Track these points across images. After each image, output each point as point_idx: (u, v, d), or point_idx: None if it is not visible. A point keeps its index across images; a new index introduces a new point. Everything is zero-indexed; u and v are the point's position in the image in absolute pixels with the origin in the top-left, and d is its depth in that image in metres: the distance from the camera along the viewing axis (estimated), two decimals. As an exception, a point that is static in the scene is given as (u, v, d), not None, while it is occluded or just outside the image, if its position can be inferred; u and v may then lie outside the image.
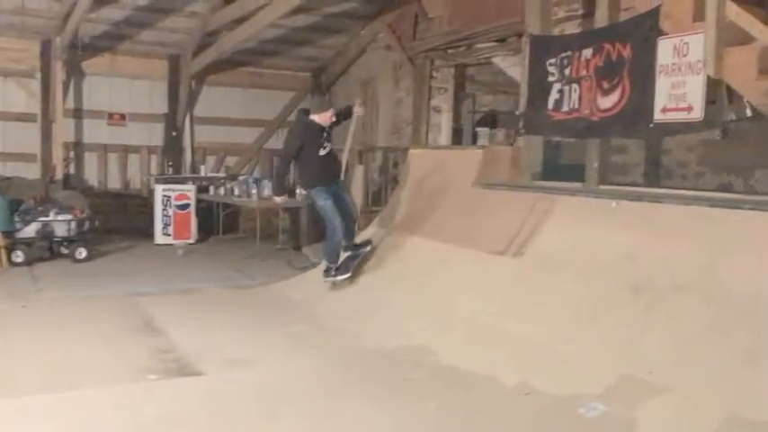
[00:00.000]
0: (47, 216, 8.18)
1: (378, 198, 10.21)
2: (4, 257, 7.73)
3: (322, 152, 6.25)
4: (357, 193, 10.21)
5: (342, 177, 6.79)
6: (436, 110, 9.89)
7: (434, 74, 9.98)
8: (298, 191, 8.90)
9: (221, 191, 10.19)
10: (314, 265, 7.78)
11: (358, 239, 6.67)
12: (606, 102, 5.27)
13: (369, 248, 6.61)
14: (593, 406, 3.58)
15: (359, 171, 10.38)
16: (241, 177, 10.50)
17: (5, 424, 3.51)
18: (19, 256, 7.96)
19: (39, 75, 10.65)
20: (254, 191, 9.24)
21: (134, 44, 11.12)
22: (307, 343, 5.12)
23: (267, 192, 9.21)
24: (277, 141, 12.81)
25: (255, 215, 10.82)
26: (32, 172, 10.69)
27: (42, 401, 3.80)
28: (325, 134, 6.29)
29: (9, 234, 7.88)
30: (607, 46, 5.24)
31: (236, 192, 9.91)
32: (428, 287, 5.62)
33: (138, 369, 4.41)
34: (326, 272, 6.41)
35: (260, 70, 12.45)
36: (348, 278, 6.34)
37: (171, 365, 4.50)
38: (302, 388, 4.13)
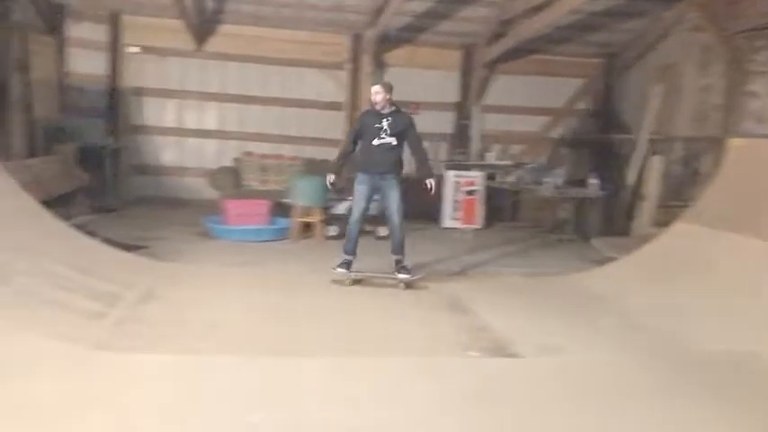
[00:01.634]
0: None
1: (677, 192, 9.49)
2: (320, 230, 8.60)
3: (376, 142, 6.24)
4: (653, 187, 9.61)
5: (396, 175, 6.39)
6: (755, 96, 8.87)
7: (754, 56, 8.96)
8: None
9: (511, 178, 10.25)
10: (608, 259, 7.50)
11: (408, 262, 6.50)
12: None
13: (407, 277, 6.30)
14: None
15: (655, 161, 9.75)
16: (530, 165, 10.46)
17: (332, 380, 3.86)
18: (333, 231, 8.82)
19: (348, 67, 11.67)
20: (546, 179, 9.13)
21: (432, 35, 11.64)
22: (619, 338, 4.92)
23: (560, 180, 9.08)
24: (563, 130, 12.59)
25: (539, 204, 10.74)
26: (331, 155, 11.74)
27: (363, 364, 4.12)
28: (385, 124, 6.23)
29: (324, 210, 8.74)
30: None
31: (526, 179, 9.89)
32: (750, 291, 5.07)
33: (456, 344, 4.60)
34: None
35: (549, 57, 12.27)
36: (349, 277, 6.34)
37: (487, 344, 4.62)
38: (630, 384, 3.96)
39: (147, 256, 6.84)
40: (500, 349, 4.51)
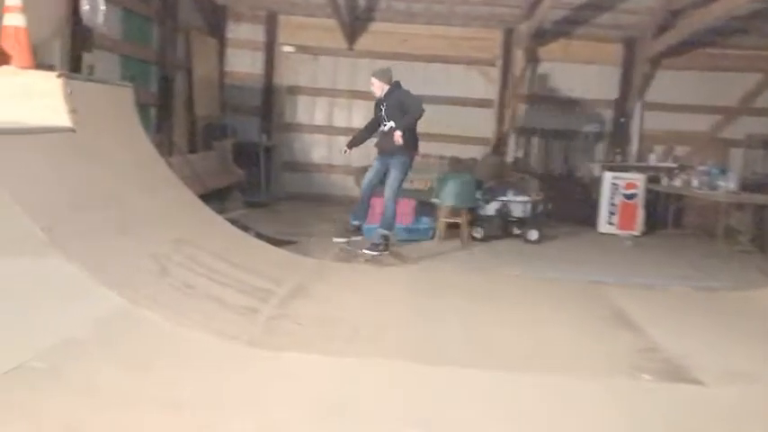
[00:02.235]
0: (506, 196, 8.55)
1: None
2: (467, 232, 8.30)
3: (382, 128, 6.99)
4: None
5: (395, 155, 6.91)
6: None
7: None
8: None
9: (676, 182, 9.42)
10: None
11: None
12: None
13: (370, 253, 6.84)
14: None
15: None
16: (702, 168, 9.54)
17: (492, 396, 3.55)
18: (479, 232, 8.50)
19: (499, 62, 11.28)
20: (721, 183, 8.28)
21: (590, 28, 10.98)
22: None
23: (733, 185, 8.20)
24: (735, 130, 11.45)
25: (705, 211, 9.82)
26: (485, 155, 11.41)
27: (527, 380, 3.76)
28: (383, 110, 6.95)
29: (472, 210, 8.44)
30: None
31: (695, 183, 9.04)
32: None
33: (627, 365, 4.14)
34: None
35: (720, 51, 11.20)
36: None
37: (662, 366, 4.12)
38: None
39: (296, 252, 6.86)
40: (677, 373, 4.00)
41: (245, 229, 7.24)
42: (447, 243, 8.25)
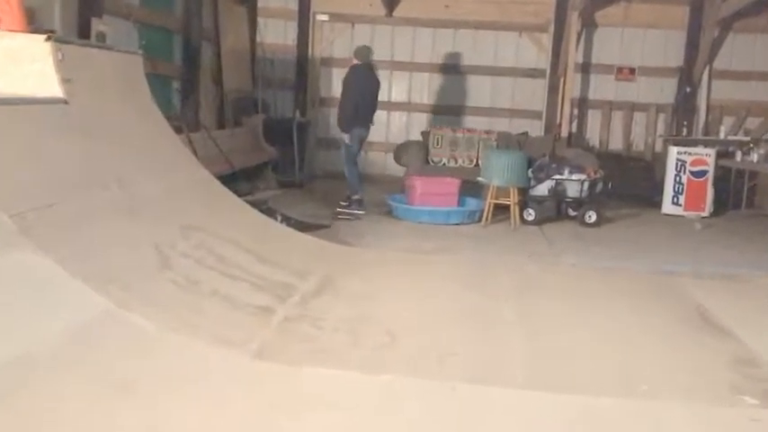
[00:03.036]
0: (560, 174, 7.71)
1: None
2: (517, 215, 7.50)
3: None
4: None
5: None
6: None
7: None
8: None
9: (752, 157, 8.41)
10: None
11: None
12: None
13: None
14: None
15: None
16: (782, 141, 8.52)
17: (577, 424, 2.82)
18: (531, 215, 7.68)
19: (552, 28, 10.34)
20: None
21: (653, -11, 9.97)
22: None
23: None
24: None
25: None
26: (536, 129, 10.53)
27: (602, 405, 3.01)
28: None
29: (523, 190, 7.63)
30: None
31: (775, 159, 8.05)
32: None
33: (722, 383, 3.34)
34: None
35: (801, 11, 10.04)
36: None
37: (764, 387, 3.31)
38: None
39: (326, 237, 6.18)
40: (789, 397, 3.19)
41: (271, 212, 6.62)
42: (495, 226, 7.48)
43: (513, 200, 7.43)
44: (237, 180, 8.39)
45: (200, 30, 8.72)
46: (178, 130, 7.61)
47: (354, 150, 8.02)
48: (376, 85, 8.21)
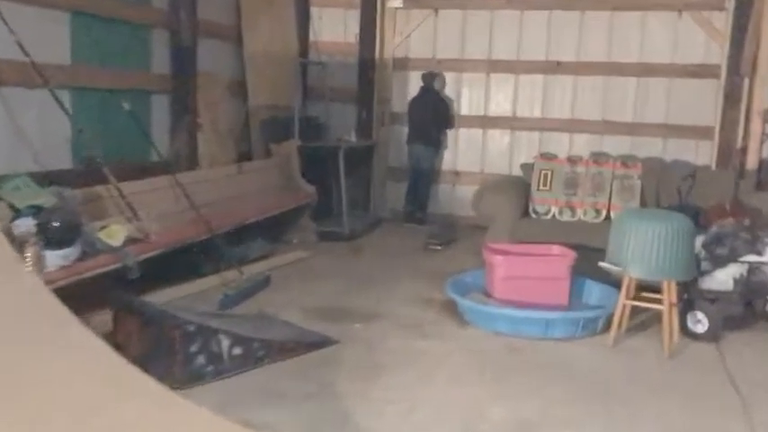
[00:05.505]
0: (759, 254, 4.32)
1: None
2: (675, 325, 4.22)
3: None
4: None
5: None
6: None
7: None
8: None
9: None
10: None
11: None
12: None
13: None
14: None
15: None
16: None
17: None
18: (700, 322, 4.36)
19: (732, 4, 6.80)
20: None
21: None
22: None
23: None
24: None
25: None
26: (704, 155, 7.05)
27: None
28: None
29: (684, 284, 4.32)
30: None
31: None
32: None
33: None
34: None
35: None
36: None
37: None
38: None
39: (326, 359, 3.40)
40: None
41: (264, 317, 4.18)
42: (631, 345, 4.27)
43: (667, 299, 4.14)
44: (258, 232, 5.83)
45: (195, 22, 6.10)
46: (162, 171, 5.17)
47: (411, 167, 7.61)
48: (433, 104, 7.52)
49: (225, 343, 3.53)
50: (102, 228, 4.10)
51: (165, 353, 3.44)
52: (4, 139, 4.36)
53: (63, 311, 2.59)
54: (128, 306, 3.69)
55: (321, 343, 4.01)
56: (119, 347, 3.54)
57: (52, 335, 2.67)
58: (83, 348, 2.62)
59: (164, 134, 5.98)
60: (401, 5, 7.97)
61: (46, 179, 4.17)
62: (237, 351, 3.56)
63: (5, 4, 4.22)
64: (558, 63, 7.59)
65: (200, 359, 3.43)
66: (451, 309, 4.71)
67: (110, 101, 5.28)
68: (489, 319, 4.40)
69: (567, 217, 5.84)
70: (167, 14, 5.85)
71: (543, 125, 7.73)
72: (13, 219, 3.61)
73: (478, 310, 4.47)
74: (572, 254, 4.74)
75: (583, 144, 7.40)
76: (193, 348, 3.42)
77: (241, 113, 7.02)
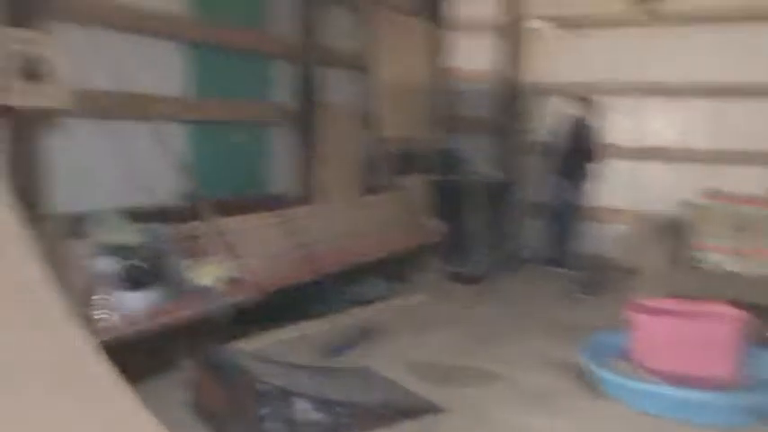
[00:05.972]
0: None
1: None
2: None
3: None
4: None
5: None
6: None
7: None
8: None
9: None
10: None
11: None
12: None
13: None
14: None
15: None
16: None
17: None
18: None
19: None
20: None
21: None
22: None
23: None
24: None
25: None
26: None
27: None
28: None
29: None
30: None
31: None
32: None
33: None
34: None
35: None
36: None
37: None
38: None
39: None
40: None
41: (369, 378, 3.71)
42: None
43: None
44: (381, 270, 5.46)
45: (319, 51, 5.84)
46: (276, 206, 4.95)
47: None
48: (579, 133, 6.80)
49: (302, 406, 3.07)
50: (194, 267, 3.83)
51: (237, 413, 3.06)
52: (111, 172, 4.24)
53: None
54: (205, 357, 3.36)
55: (422, 410, 3.45)
56: (202, 400, 3.22)
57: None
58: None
59: (284, 167, 5.74)
60: (545, 26, 7.31)
61: (148, 215, 3.99)
62: (317, 416, 3.09)
63: (119, 35, 4.15)
64: (724, 85, 6.54)
65: (272, 423, 2.99)
66: (584, 377, 3.94)
67: (226, 133, 5.12)
68: (635, 396, 3.59)
69: (736, 267, 4.83)
70: (291, 44, 5.64)
71: (708, 157, 6.67)
72: (96, 257, 3.41)
73: (623, 382, 3.66)
74: (743, 314, 3.82)
75: (755, 179, 6.24)
76: (265, 410, 2.99)
77: (370, 146, 6.67)
